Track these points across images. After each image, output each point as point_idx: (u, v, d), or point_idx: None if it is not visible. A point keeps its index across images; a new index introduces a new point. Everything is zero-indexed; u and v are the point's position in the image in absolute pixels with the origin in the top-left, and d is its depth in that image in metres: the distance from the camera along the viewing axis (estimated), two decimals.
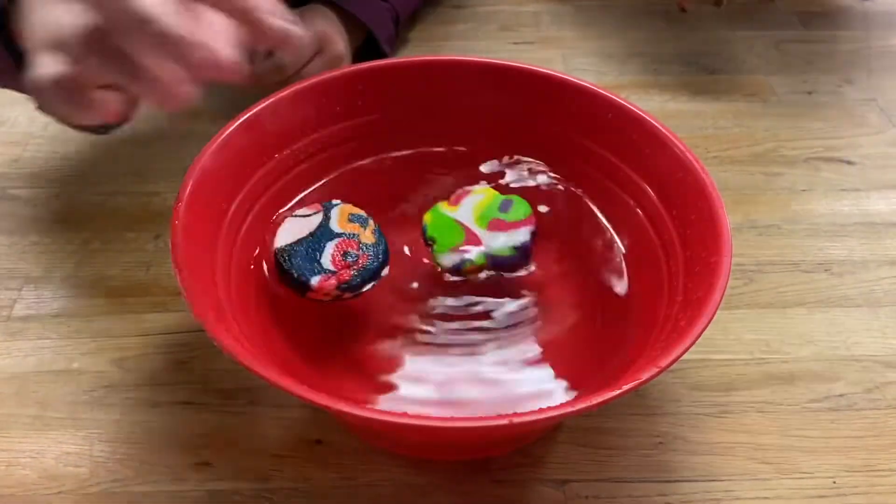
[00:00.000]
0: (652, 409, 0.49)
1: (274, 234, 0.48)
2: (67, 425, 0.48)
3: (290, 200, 0.52)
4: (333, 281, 0.45)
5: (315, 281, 0.45)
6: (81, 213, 0.60)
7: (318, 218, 0.48)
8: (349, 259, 0.46)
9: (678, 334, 0.39)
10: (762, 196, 0.64)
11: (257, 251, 0.50)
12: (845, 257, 0.59)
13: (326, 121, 0.53)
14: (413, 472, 0.46)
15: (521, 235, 0.49)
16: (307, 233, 0.47)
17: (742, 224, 0.61)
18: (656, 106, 0.72)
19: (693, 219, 0.45)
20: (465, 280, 0.49)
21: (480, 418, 0.36)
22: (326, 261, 0.46)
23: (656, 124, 0.49)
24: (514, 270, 0.49)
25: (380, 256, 0.47)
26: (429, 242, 0.49)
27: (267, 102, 0.50)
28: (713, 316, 0.39)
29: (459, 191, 0.52)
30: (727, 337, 0.53)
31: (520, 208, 0.50)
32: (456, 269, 0.48)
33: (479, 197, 0.51)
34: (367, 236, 0.48)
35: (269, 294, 0.48)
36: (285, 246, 0.47)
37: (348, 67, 0.53)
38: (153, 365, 0.51)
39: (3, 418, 0.48)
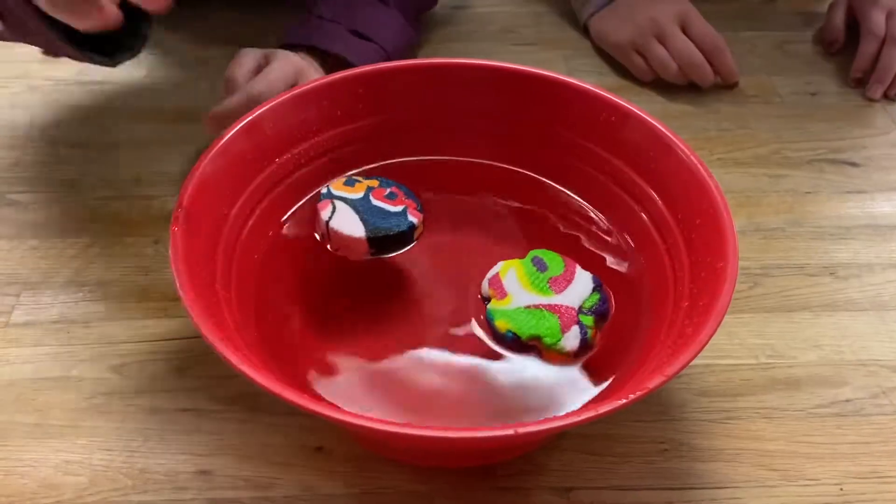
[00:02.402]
0: (657, 415, 0.49)
1: (337, 241, 0.48)
2: (66, 433, 0.47)
3: (292, 205, 0.52)
4: (413, 210, 0.49)
5: (413, 219, 0.49)
6: (80, 218, 0.60)
7: (341, 203, 0.49)
8: (393, 197, 0.49)
9: (685, 341, 0.39)
10: (766, 198, 0.63)
11: (257, 256, 0.49)
12: (851, 260, 0.58)
13: (327, 125, 0.52)
14: (415, 479, 0.45)
15: (585, 277, 0.48)
16: (355, 213, 0.49)
17: (746, 227, 0.60)
18: (658, 108, 0.71)
19: (698, 223, 0.45)
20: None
21: (484, 428, 0.35)
22: (391, 207, 0.49)
23: (660, 126, 0.48)
24: (609, 313, 0.48)
25: (394, 183, 0.51)
26: (533, 344, 0.45)
27: (267, 107, 0.49)
28: (720, 322, 0.38)
29: (489, 281, 0.48)
30: (732, 341, 0.53)
31: (553, 259, 0.49)
32: (584, 344, 0.45)
33: (511, 272, 0.48)
34: (372, 182, 0.51)
35: (271, 300, 0.48)
36: (371, 227, 0.48)
37: (349, 71, 0.53)
38: (153, 371, 0.50)
39: (2, 426, 0.47)
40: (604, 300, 0.47)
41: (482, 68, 0.53)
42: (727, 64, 0.72)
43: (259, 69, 0.60)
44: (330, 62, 0.65)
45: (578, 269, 0.48)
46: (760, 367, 0.51)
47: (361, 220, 0.48)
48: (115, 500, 0.44)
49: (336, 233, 0.48)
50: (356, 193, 0.50)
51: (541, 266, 0.48)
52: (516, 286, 0.47)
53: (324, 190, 0.50)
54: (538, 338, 0.45)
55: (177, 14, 0.48)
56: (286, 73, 0.59)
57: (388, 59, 0.68)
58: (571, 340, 0.45)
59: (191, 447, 0.47)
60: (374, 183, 0.51)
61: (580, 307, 0.46)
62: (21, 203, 0.61)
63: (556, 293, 0.47)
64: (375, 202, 0.49)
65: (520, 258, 0.49)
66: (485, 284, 0.48)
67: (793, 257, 0.58)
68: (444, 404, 0.44)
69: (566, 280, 0.47)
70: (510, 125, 0.54)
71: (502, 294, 0.47)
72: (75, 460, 0.46)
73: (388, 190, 0.50)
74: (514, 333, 0.45)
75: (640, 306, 0.48)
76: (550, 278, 0.48)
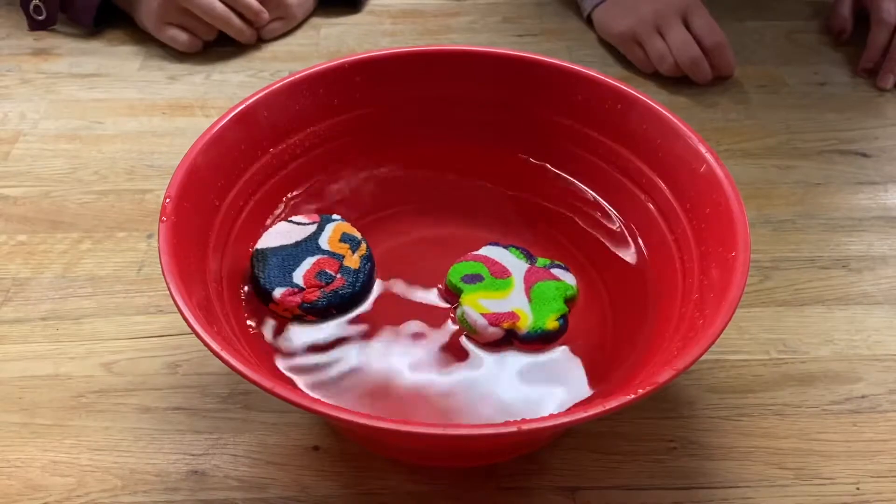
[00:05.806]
0: (665, 411, 0.47)
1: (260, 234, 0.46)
2: (54, 433, 0.46)
3: (286, 197, 0.50)
4: (297, 298, 0.44)
5: (278, 293, 0.43)
6: (72, 212, 0.58)
7: (310, 229, 0.46)
8: (323, 279, 0.44)
9: (695, 334, 0.37)
10: (776, 190, 0.61)
11: (251, 250, 0.48)
12: (864, 253, 0.57)
13: (323, 114, 0.51)
14: (415, 479, 0.44)
15: (494, 250, 0.49)
16: (293, 241, 0.45)
17: (755, 219, 0.59)
18: (665, 98, 0.70)
19: (708, 212, 0.43)
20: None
21: (487, 425, 0.34)
22: (298, 276, 0.44)
23: (668, 114, 0.47)
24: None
25: (357, 285, 0.45)
26: (568, 306, 0.46)
27: (261, 94, 0.48)
28: (733, 314, 0.37)
29: (490, 322, 0.44)
30: (742, 336, 0.51)
31: (468, 266, 0.48)
32: (570, 271, 0.48)
33: (483, 302, 0.45)
34: (353, 261, 0.46)
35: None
36: (264, 249, 0.44)
37: (345, 58, 0.51)
38: (145, 369, 0.49)
39: None
40: (516, 245, 0.49)
41: (484, 55, 0.52)
42: (726, 62, 0.70)
43: None
44: None
45: (483, 251, 0.49)
46: (772, 363, 0.50)
47: (279, 246, 0.45)
48: (103, 502, 0.43)
49: (267, 232, 0.46)
50: (328, 246, 0.46)
51: (475, 278, 0.47)
52: (501, 302, 0.46)
53: (335, 216, 0.48)
54: (565, 299, 0.46)
55: None
56: None
57: None
58: (570, 278, 0.48)
59: (183, 447, 0.45)
60: (353, 264, 0.45)
61: (528, 264, 0.48)
62: (10, 197, 0.59)
63: (511, 275, 0.47)
64: (310, 260, 0.45)
65: (447, 298, 0.47)
66: (490, 330, 0.44)
67: (804, 250, 0.57)
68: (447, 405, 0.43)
69: (495, 264, 0.48)
70: (512, 113, 0.52)
71: (514, 317, 0.45)
72: (63, 460, 0.44)
73: (338, 275, 0.44)
74: (562, 316, 0.46)
75: (646, 299, 0.46)
76: (491, 275, 0.47)
